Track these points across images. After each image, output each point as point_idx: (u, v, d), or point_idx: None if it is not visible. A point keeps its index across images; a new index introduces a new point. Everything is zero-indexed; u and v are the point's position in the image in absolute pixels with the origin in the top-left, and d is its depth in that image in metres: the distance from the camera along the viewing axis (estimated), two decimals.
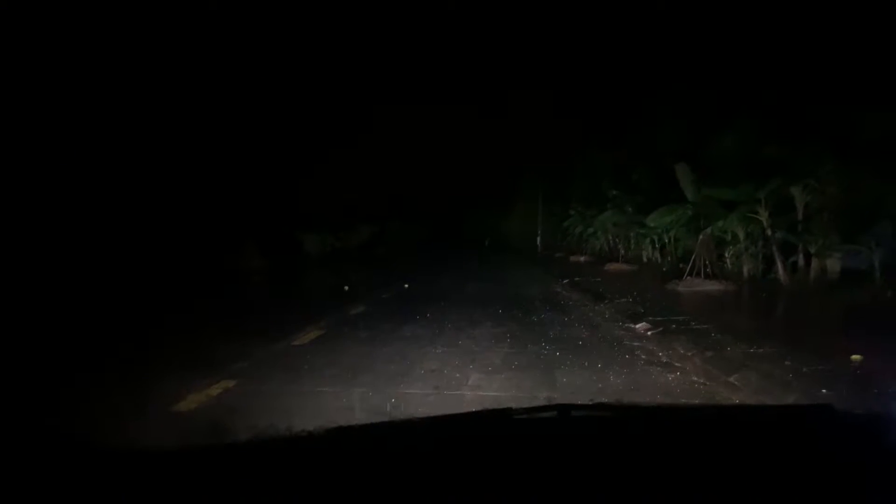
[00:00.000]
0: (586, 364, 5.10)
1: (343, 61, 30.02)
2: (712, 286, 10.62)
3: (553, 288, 12.10)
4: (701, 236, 11.60)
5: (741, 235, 12.02)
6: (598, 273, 14.72)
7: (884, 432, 1.25)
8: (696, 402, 4.04)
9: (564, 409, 1.37)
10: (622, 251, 19.03)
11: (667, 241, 15.83)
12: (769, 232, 11.04)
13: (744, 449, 1.16)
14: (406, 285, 12.07)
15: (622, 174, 18.06)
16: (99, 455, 1.23)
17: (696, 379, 4.63)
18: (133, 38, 15.75)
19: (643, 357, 5.41)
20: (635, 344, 6.04)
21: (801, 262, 11.02)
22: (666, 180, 13.28)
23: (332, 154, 30.08)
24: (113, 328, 7.42)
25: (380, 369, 4.95)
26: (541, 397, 4.05)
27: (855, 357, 4.81)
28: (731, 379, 4.54)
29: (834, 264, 10.52)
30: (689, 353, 5.42)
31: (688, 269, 11.21)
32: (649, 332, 6.55)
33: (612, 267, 16.30)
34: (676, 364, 5.12)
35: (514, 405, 1.48)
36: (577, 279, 12.96)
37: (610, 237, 20.31)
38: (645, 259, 17.95)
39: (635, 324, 7.07)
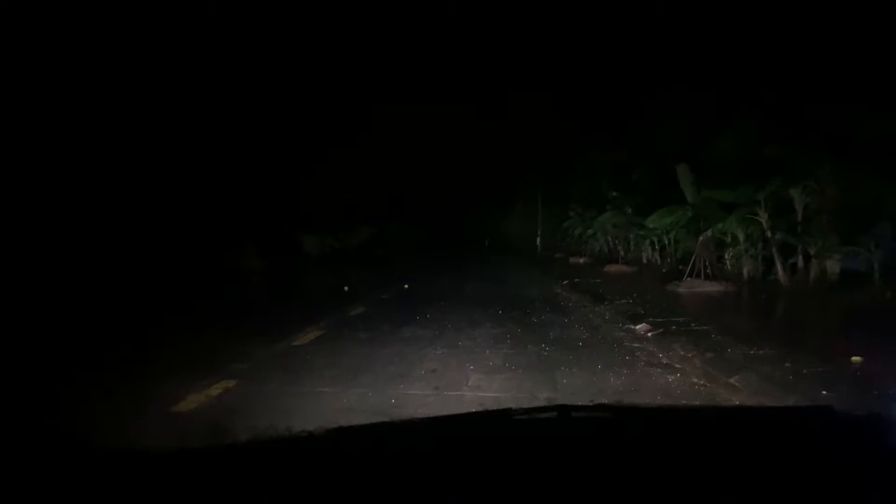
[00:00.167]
0: (586, 365, 5.10)
1: (343, 61, 30.11)
2: (712, 287, 10.62)
3: (553, 289, 12.09)
4: (701, 238, 11.60)
5: (741, 237, 12.02)
6: (597, 274, 14.70)
7: (884, 434, 1.25)
8: (697, 403, 4.04)
9: (564, 409, 1.37)
10: (622, 252, 19.00)
11: (667, 242, 15.83)
12: (769, 233, 11.05)
13: (744, 450, 1.16)
14: (406, 286, 12.07)
15: (622, 175, 18.02)
16: (99, 455, 1.23)
17: (696, 380, 4.63)
18: (133, 39, 15.76)
19: (643, 358, 5.41)
20: (635, 345, 6.03)
21: (800, 263, 11.02)
22: (666, 181, 13.28)
23: (332, 154, 30.16)
24: (113, 328, 7.43)
25: (380, 370, 4.95)
26: (541, 398, 4.05)
27: (855, 358, 4.81)
28: (732, 380, 4.54)
29: (833, 266, 10.51)
30: (690, 355, 5.41)
31: (688, 271, 11.22)
32: (649, 334, 6.55)
33: (612, 268, 16.27)
34: (676, 365, 5.12)
35: (514, 406, 1.48)
36: (576, 280, 12.96)
37: (609, 238, 20.27)
38: (645, 260, 17.91)
39: (635, 325, 7.06)
